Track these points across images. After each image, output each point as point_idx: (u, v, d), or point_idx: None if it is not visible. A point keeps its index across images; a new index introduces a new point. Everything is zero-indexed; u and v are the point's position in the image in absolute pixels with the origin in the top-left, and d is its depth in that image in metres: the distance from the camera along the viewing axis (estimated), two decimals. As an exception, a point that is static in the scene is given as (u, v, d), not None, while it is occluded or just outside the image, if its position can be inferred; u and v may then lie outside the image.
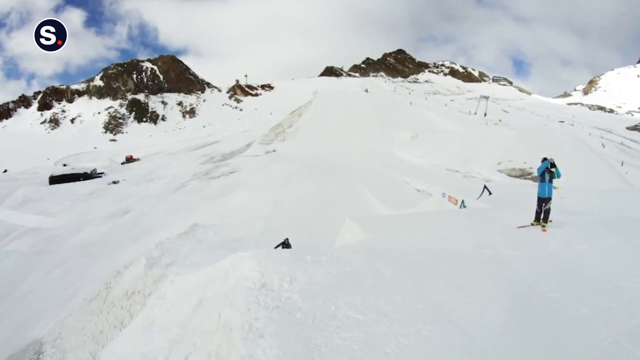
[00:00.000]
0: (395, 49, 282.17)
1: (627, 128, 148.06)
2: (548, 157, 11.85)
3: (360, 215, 20.03)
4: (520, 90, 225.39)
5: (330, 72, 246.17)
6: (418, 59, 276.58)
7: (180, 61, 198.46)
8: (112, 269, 20.57)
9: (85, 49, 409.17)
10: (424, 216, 16.37)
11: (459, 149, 47.79)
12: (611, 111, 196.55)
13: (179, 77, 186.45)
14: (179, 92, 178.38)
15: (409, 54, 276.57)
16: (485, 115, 79.48)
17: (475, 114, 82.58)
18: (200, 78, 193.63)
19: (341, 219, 15.74)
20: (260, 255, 7.23)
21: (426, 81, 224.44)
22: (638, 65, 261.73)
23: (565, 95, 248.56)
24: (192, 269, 13.72)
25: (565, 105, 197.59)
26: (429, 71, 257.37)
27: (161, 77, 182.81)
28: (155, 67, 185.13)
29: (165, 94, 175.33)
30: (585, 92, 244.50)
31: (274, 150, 58.11)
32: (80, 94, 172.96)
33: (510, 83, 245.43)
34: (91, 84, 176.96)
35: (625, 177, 45.64)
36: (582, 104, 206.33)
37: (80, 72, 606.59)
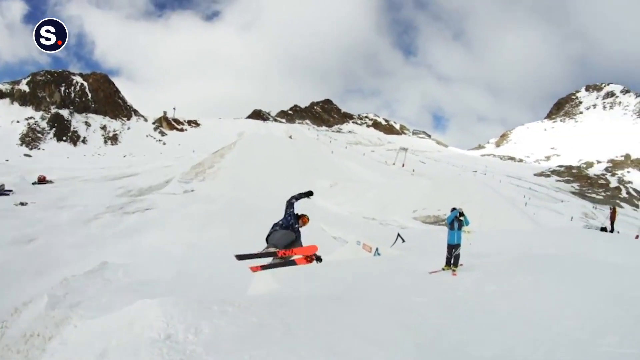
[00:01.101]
0: (323, 99, 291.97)
1: (535, 175, 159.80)
2: (457, 207, 12.51)
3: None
4: (438, 143, 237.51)
5: (257, 115, 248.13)
6: (344, 109, 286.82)
7: (112, 82, 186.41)
8: (10, 305, 19.03)
9: (18, 45, 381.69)
10: (338, 264, 16.47)
11: (376, 198, 48.89)
12: (520, 161, 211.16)
13: (107, 99, 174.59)
14: (105, 115, 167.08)
15: (335, 104, 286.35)
16: (403, 165, 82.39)
17: (394, 164, 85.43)
18: (128, 104, 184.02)
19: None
20: (167, 303, 6.91)
21: (349, 131, 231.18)
22: (545, 120, 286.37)
23: (479, 147, 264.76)
24: (98, 312, 12.96)
25: (479, 156, 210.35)
26: (353, 122, 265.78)
27: (89, 95, 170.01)
28: (85, 83, 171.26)
29: (90, 115, 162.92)
30: (498, 144, 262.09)
31: (192, 190, 56.94)
32: (1, 95, 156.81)
33: (429, 136, 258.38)
34: (16, 87, 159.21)
35: (534, 218, 48.52)
36: (494, 155, 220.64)
37: (7, 71, 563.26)
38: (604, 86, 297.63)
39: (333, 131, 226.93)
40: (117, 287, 19.88)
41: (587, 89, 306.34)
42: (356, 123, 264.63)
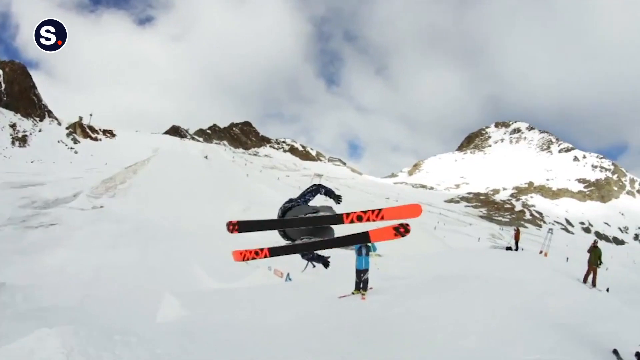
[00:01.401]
0: (243, 120, 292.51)
1: (445, 201, 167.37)
2: None
3: (184, 289, 19.29)
4: (353, 170, 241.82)
5: (175, 131, 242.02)
6: (262, 133, 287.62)
7: (30, 75, 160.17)
8: None
9: None
10: (249, 290, 16.27)
11: None
12: (432, 188, 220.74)
13: (22, 94, 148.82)
14: (16, 112, 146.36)
15: (254, 127, 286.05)
16: None
17: None
18: (43, 102, 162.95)
19: (165, 292, 15.06)
20: (67, 333, 6.52)
21: (266, 155, 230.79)
22: (456, 152, 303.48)
23: (393, 175, 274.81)
24: (-7, 343, 11.98)
25: (392, 184, 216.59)
26: (270, 146, 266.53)
27: (3, 86, 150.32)
28: (0, 72, 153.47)
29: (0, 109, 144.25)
30: (410, 173, 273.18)
31: (101, 206, 53.70)
32: None
33: (344, 163, 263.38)
34: None
35: (444, 240, 50.46)
36: (406, 183, 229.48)
37: None
38: (512, 123, 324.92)
39: (250, 154, 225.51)
40: (16, 314, 18.24)
41: (496, 125, 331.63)
42: (273, 147, 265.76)
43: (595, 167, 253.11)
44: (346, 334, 8.14)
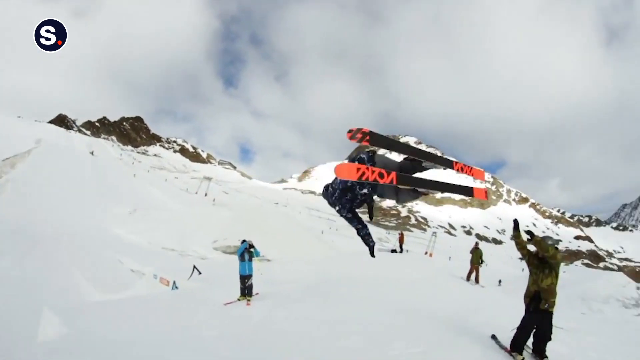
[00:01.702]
0: (134, 115, 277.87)
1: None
2: (247, 240, 12.80)
3: (65, 302, 17.96)
4: (243, 174, 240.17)
5: (61, 121, 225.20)
6: (153, 130, 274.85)
7: None
8: None
9: None
10: (134, 301, 15.48)
11: (176, 227, 46.35)
12: (320, 195, 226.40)
13: None
14: None
15: (145, 124, 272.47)
16: (205, 195, 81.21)
17: (197, 193, 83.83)
18: None
19: (44, 307, 13.86)
20: None
21: (155, 155, 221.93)
22: (345, 160, 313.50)
23: (282, 181, 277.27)
24: None
25: (282, 189, 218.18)
26: (161, 145, 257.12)
27: None
28: None
29: None
30: (300, 179, 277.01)
31: (-27, 205, 48.53)
32: None
33: (234, 167, 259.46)
34: None
35: (332, 245, 51.32)
36: (296, 189, 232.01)
37: None
38: (401, 137, 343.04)
39: (138, 152, 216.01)
40: None
41: None
42: (163, 146, 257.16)
43: (476, 179, 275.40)
44: (229, 341, 7.94)
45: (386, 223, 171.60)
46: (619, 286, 23.19)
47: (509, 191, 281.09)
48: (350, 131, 4.93)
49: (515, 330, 7.00)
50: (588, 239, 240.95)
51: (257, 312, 10.11)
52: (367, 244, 5.96)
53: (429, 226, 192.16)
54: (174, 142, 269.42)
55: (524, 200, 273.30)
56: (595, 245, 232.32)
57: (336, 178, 5.56)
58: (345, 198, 5.74)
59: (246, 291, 12.00)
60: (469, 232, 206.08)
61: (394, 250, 31.35)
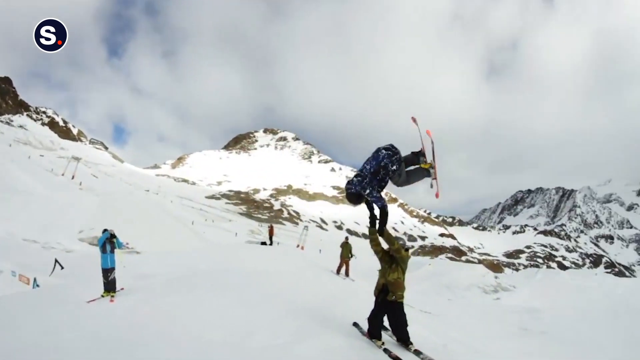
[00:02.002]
0: (2, 75, 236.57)
1: (206, 197, 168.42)
2: (108, 229, 12.11)
3: None
4: (114, 157, 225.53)
5: None
6: (22, 96, 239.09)
7: None
8: None
9: None
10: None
11: (38, 215, 41.07)
12: (193, 184, 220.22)
13: None
14: None
15: (14, 87, 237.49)
16: (73, 178, 74.82)
17: (63, 175, 77.03)
18: None
19: None
20: None
21: (20, 126, 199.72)
22: (222, 150, 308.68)
23: (155, 167, 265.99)
24: None
25: (154, 175, 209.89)
26: (28, 115, 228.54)
27: None
28: None
29: None
30: (174, 166, 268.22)
31: None
32: None
33: (106, 148, 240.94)
34: None
35: (203, 236, 50.56)
36: (169, 176, 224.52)
37: None
38: (280, 131, 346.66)
39: (2, 121, 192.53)
40: None
41: (265, 131, 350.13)
42: (31, 117, 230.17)
43: (349, 177, 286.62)
44: (89, 343, 7.45)
45: (259, 215, 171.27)
46: (480, 276, 25.83)
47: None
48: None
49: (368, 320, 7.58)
50: (451, 236, 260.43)
51: (120, 309, 9.68)
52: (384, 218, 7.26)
53: (301, 220, 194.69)
54: (44, 112, 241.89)
55: (393, 200, 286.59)
56: (458, 242, 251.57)
57: (364, 166, 7.16)
58: (377, 179, 7.08)
59: (109, 286, 11.45)
60: (340, 227, 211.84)
61: (263, 243, 31.73)
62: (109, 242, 11.81)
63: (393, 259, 7.53)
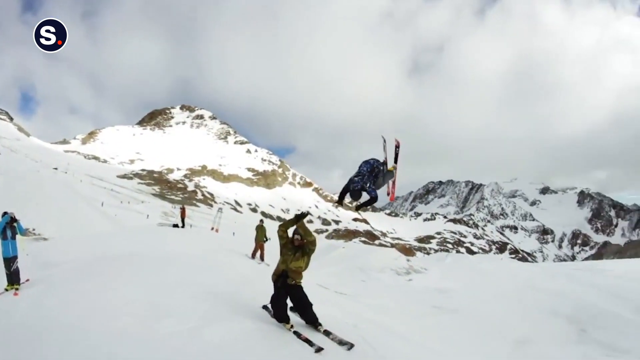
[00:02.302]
0: None
1: (118, 176, 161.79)
2: (8, 212, 11.07)
3: None
4: (20, 129, 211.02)
5: None
6: None
7: None
8: None
9: None
10: None
11: None
12: (105, 161, 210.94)
13: None
14: None
15: None
16: None
17: None
18: None
19: None
20: None
21: None
22: (136, 126, 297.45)
23: (65, 142, 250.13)
24: None
25: (63, 152, 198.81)
26: None
27: None
28: None
29: None
30: (84, 142, 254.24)
31: None
32: None
33: (11, 119, 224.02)
34: None
35: (115, 219, 48.53)
36: (79, 153, 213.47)
37: None
38: (197, 109, 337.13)
39: None
40: None
41: (181, 108, 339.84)
42: None
43: (265, 160, 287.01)
44: None
45: (172, 197, 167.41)
46: (392, 259, 26.72)
47: (294, 175, 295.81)
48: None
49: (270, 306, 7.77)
50: (365, 221, 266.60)
51: (25, 302, 8.84)
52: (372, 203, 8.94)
53: (215, 202, 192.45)
54: None
55: (308, 184, 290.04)
56: (371, 227, 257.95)
57: (361, 169, 8.84)
58: (372, 175, 8.74)
59: (12, 278, 10.41)
60: (254, 210, 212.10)
61: (175, 225, 31.00)
62: (9, 227, 10.78)
63: (298, 248, 7.74)
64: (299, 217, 7.95)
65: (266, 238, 20.23)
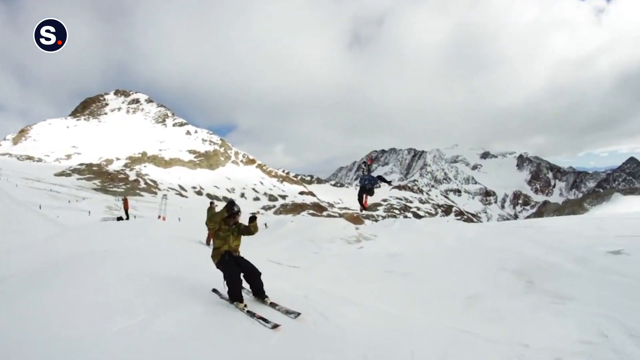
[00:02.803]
0: None
1: (55, 175, 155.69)
2: None
3: None
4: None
5: None
6: None
7: None
8: None
9: None
10: None
11: None
12: (40, 160, 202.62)
13: None
14: None
15: None
16: None
17: None
18: None
19: None
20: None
21: None
22: (69, 117, 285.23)
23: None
24: None
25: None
26: None
27: None
28: None
29: None
30: (16, 141, 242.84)
31: None
32: None
33: None
34: None
35: (57, 220, 46.93)
36: (11, 155, 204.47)
37: None
38: (132, 93, 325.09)
39: None
40: None
41: (116, 93, 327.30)
42: None
43: (205, 140, 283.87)
44: None
45: (114, 189, 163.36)
46: (341, 228, 27.11)
47: (237, 153, 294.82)
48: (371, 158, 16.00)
49: (226, 285, 7.70)
50: (311, 193, 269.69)
51: None
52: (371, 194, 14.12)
53: (159, 189, 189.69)
54: None
55: (251, 161, 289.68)
56: (318, 199, 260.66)
57: (366, 177, 14.44)
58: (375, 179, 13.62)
59: None
60: (199, 193, 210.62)
61: (120, 218, 30.29)
62: None
63: (234, 226, 7.98)
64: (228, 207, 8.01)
65: None
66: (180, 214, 62.16)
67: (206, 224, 18.10)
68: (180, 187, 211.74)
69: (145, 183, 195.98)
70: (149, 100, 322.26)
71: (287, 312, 7.43)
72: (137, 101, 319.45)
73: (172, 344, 5.97)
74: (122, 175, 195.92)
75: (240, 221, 8.16)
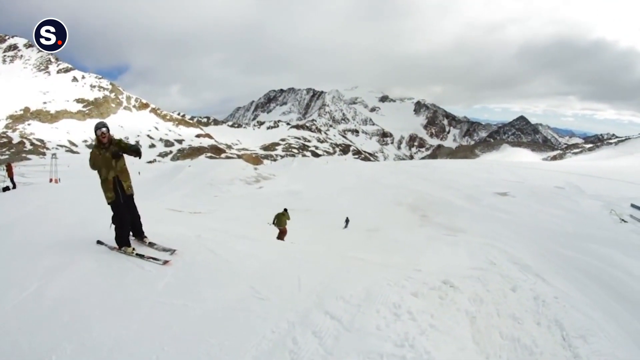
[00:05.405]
0: None
1: None
2: None
3: None
4: None
5: None
6: None
7: None
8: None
9: None
10: None
11: None
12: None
13: None
14: None
15: None
16: None
17: None
18: None
19: None
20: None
21: None
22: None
23: None
24: None
25: None
26: None
27: None
28: None
29: None
30: None
31: None
32: None
33: None
34: None
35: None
36: None
37: None
38: (8, 38, 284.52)
39: None
40: None
41: None
42: None
43: (94, 87, 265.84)
44: None
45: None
46: (240, 169, 27.15)
47: (128, 98, 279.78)
48: None
49: (113, 228, 7.49)
50: (208, 136, 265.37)
51: None
52: None
53: (47, 148, 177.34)
54: None
55: (144, 106, 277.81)
56: (216, 141, 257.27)
57: None
58: None
59: None
60: (91, 146, 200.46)
61: (6, 188, 27.76)
62: None
63: (115, 155, 7.28)
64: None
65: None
66: (69, 173, 58.25)
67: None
68: (71, 142, 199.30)
69: (32, 144, 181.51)
70: (28, 45, 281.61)
71: (164, 250, 7.56)
72: (14, 47, 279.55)
73: (67, 308, 5.65)
74: (4, 139, 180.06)
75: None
